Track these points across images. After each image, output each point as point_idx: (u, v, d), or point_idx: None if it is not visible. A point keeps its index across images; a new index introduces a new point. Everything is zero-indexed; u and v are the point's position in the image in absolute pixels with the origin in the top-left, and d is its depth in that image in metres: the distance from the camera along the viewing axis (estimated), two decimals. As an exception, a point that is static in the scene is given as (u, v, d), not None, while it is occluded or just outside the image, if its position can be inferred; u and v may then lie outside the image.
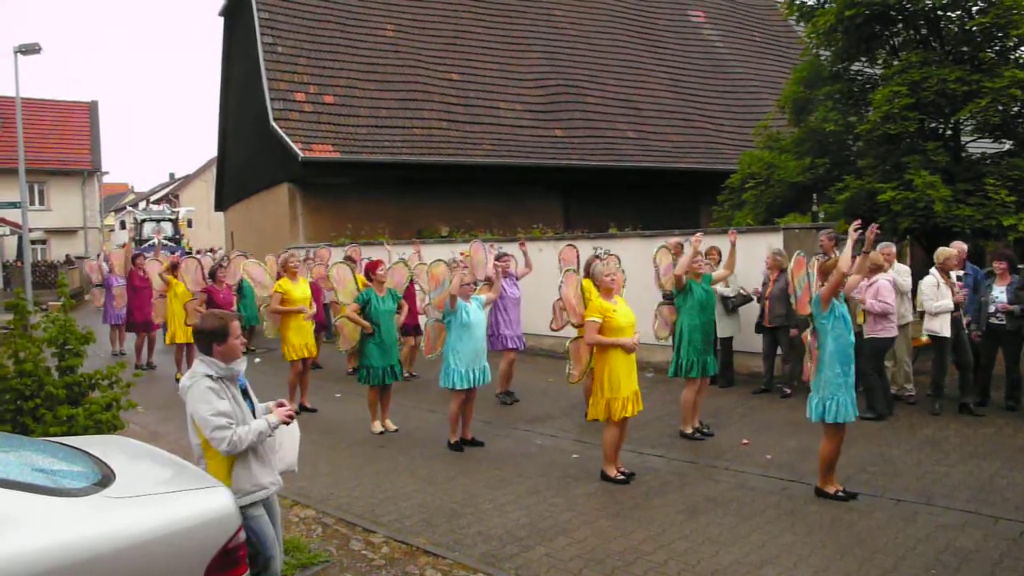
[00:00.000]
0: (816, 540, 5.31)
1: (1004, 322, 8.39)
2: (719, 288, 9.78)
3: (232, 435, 3.87)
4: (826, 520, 5.66)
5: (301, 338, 9.57)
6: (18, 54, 20.13)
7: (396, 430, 8.58)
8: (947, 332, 8.42)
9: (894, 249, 9.23)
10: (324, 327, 12.27)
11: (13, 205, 22.93)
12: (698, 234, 8.48)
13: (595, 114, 23.63)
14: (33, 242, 30.32)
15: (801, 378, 8.03)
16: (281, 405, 4.23)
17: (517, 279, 10.08)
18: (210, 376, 3.94)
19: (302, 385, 9.70)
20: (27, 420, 5.88)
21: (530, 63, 24.26)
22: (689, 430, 7.84)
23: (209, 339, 4.02)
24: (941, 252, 8.73)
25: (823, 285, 6.01)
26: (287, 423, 4.23)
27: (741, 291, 10.02)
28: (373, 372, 8.34)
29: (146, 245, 31.54)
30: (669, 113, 25.15)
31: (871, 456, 7.05)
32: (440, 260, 9.06)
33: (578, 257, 9.57)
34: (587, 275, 8.28)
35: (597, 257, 8.20)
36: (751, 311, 10.06)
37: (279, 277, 10.35)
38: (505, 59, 23.97)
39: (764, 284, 9.75)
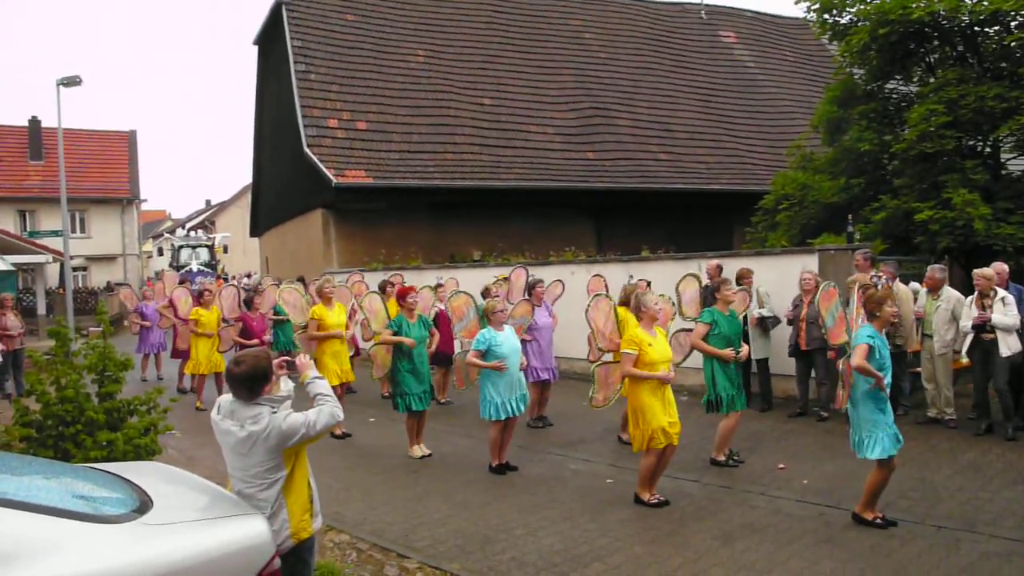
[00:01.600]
0: (855, 568, 5.20)
1: (1048, 344, 8.18)
2: (755, 310, 9.67)
3: (323, 409, 3.96)
4: (865, 547, 5.54)
5: (337, 363, 9.65)
6: (60, 86, 20.67)
7: (430, 454, 8.58)
8: (964, 352, 8.46)
9: (943, 274, 8.99)
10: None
11: (55, 233, 23.45)
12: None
13: (627, 136, 23.63)
14: (74, 269, 30.94)
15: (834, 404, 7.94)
16: (280, 367, 4.14)
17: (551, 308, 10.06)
18: (275, 411, 3.88)
19: None
20: (68, 446, 5.97)
21: (561, 86, 24.37)
22: (721, 457, 7.68)
23: (257, 383, 3.88)
24: (975, 273, 8.58)
25: (868, 316, 5.89)
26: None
27: (772, 312, 9.90)
28: (411, 399, 8.37)
29: (184, 271, 32.10)
30: (701, 134, 25.07)
31: (912, 482, 6.90)
32: (461, 292, 9.11)
33: (606, 286, 9.51)
34: (623, 303, 8.23)
35: (635, 286, 8.15)
36: (782, 333, 9.93)
37: (314, 303, 10.43)
38: (536, 83, 24.11)
39: (796, 307, 9.60)
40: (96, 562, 3.01)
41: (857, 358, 5.78)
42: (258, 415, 3.83)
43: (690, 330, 8.03)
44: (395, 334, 8.36)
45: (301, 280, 15.79)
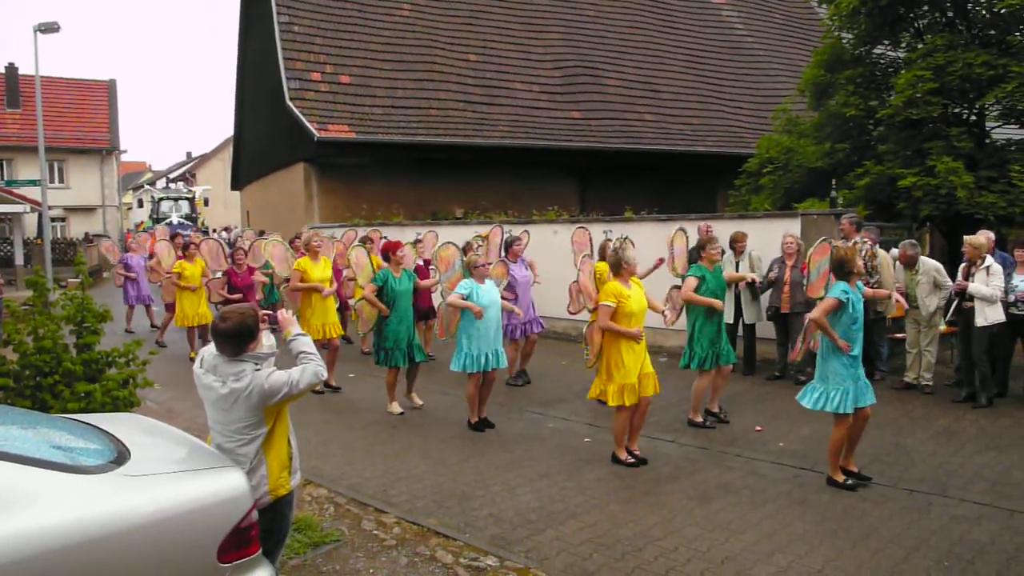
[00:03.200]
0: (828, 529, 5.30)
1: (1024, 312, 8.26)
2: (749, 274, 9.68)
3: (306, 367, 3.92)
4: (838, 509, 5.63)
5: (319, 318, 9.56)
6: (37, 32, 20.19)
7: (422, 405, 8.67)
8: (947, 318, 8.52)
9: (915, 249, 8.99)
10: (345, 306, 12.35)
11: (33, 183, 23.09)
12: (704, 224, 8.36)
13: (613, 96, 23.44)
14: (52, 220, 30.55)
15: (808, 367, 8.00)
16: (263, 320, 4.07)
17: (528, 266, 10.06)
18: (258, 368, 3.84)
19: (328, 363, 9.72)
20: (46, 396, 5.94)
21: (548, 44, 24.07)
22: (699, 419, 7.77)
23: (240, 340, 3.82)
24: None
25: (841, 277, 5.98)
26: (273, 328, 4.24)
27: (769, 276, 9.88)
28: (391, 354, 8.37)
29: (163, 223, 31.79)
30: (687, 96, 24.92)
31: (886, 446, 7.01)
32: (449, 243, 9.06)
33: (591, 240, 9.50)
34: (601, 258, 8.26)
35: (609, 240, 8.17)
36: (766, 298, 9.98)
37: (301, 256, 10.36)
38: (522, 40, 23.80)
39: (770, 270, 9.61)
40: (73, 512, 3.01)
41: (816, 311, 5.92)
42: (241, 372, 3.79)
43: (679, 287, 8.05)
44: (380, 289, 8.34)
45: (261, 233, 15.82)
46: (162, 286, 13.47)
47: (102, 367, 6.32)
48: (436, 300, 10.21)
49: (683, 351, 7.84)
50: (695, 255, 7.86)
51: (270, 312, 4.24)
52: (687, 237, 8.90)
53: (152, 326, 14.89)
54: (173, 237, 14.63)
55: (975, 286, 8.14)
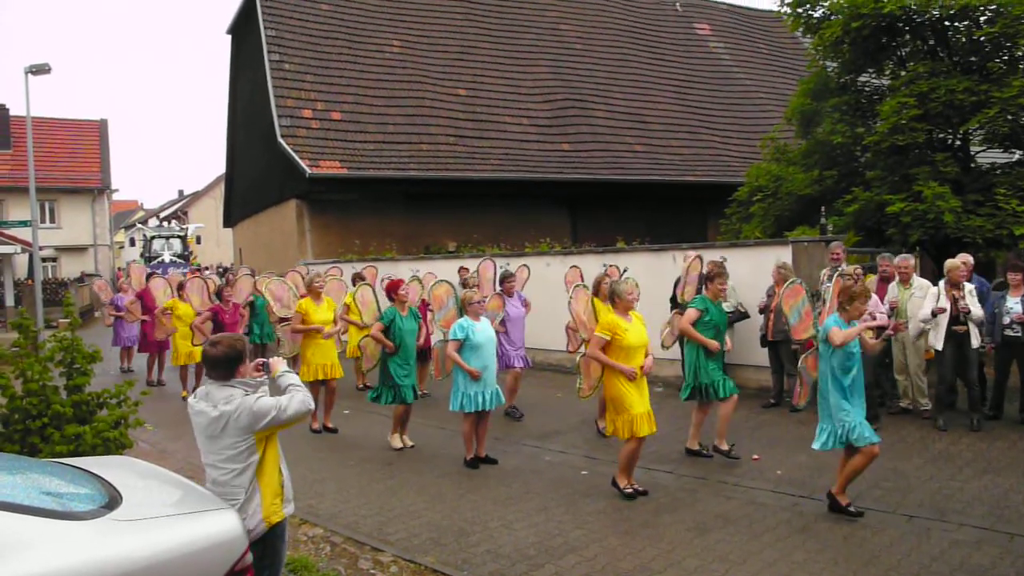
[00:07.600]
0: (828, 557, 5.25)
1: (1019, 333, 8.27)
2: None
3: (294, 396, 3.97)
4: (838, 537, 5.59)
5: (320, 358, 9.42)
6: (29, 74, 20.31)
7: (412, 446, 8.59)
8: (939, 345, 8.37)
9: (911, 261, 9.07)
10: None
11: (24, 223, 23.07)
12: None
13: (602, 128, 23.66)
14: (43, 260, 30.47)
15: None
16: (258, 369, 4.14)
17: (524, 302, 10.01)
18: (245, 393, 3.91)
19: (326, 405, 9.54)
20: (35, 440, 5.87)
21: (537, 77, 24.33)
22: (725, 446, 7.55)
23: (230, 364, 3.93)
24: (948, 264, 8.61)
25: (839, 306, 5.96)
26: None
27: (739, 307, 9.94)
28: (400, 391, 8.30)
29: (155, 262, 31.75)
30: (676, 126, 25.16)
31: (883, 471, 6.97)
32: (443, 280, 9.03)
33: (582, 277, 9.49)
34: (595, 293, 8.24)
35: (607, 275, 8.15)
36: (750, 325, 10.00)
37: (303, 296, 10.31)
38: (512, 74, 24.05)
39: (769, 296, 9.66)
40: (64, 560, 2.97)
41: (838, 338, 5.80)
42: (231, 396, 3.88)
43: (682, 311, 7.96)
44: (387, 328, 8.28)
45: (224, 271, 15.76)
46: (147, 325, 13.39)
47: (93, 408, 6.25)
48: (434, 338, 10.14)
49: (685, 383, 7.73)
50: (702, 284, 7.78)
51: (264, 360, 4.26)
52: (703, 264, 8.84)
53: (129, 369, 14.66)
54: (149, 276, 14.57)
55: (976, 310, 8.21)
